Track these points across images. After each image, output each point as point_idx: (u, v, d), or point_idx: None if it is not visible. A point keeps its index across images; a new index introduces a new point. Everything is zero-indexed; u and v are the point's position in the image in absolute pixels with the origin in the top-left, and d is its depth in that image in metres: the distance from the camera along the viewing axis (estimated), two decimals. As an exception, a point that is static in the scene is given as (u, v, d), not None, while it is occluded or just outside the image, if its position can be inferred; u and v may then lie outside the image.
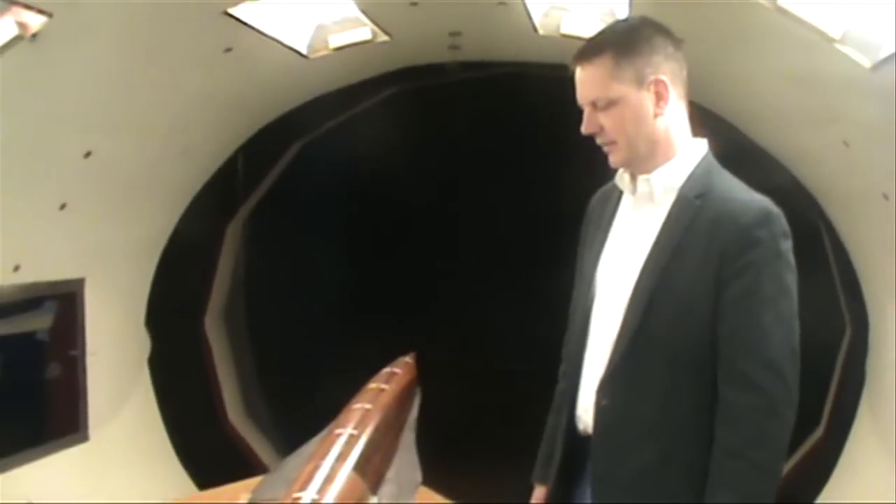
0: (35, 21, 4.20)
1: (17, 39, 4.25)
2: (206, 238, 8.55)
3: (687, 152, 2.79)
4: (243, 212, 9.28)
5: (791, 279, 2.65)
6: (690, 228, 2.70)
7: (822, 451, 7.41)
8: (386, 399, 3.74)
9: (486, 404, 9.98)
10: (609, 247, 2.90)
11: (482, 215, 10.36)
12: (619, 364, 2.73)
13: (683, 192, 2.75)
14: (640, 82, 2.72)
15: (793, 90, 5.38)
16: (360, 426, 3.31)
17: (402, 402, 3.96)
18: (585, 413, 2.85)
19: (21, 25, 4.21)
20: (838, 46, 4.47)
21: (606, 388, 2.76)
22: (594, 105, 2.73)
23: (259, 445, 9.38)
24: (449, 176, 10.21)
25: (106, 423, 6.83)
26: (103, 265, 6.59)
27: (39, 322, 6.52)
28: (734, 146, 6.87)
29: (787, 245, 2.66)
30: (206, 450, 8.18)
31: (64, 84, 4.86)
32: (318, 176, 9.89)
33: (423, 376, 4.75)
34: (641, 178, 2.81)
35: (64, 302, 6.52)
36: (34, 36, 4.26)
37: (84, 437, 6.60)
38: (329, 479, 2.87)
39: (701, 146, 2.83)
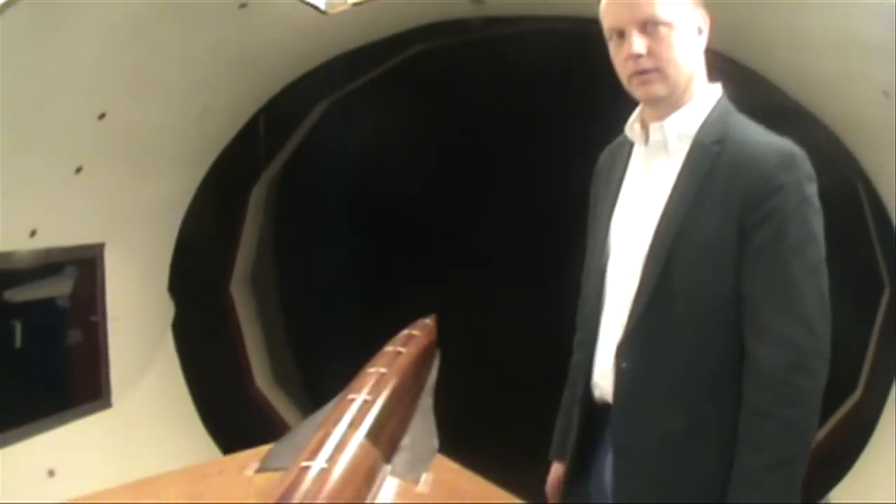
0: (35, -24, 4.05)
1: (15, -3, 4.10)
2: (228, 202, 8.45)
3: (702, 97, 2.63)
4: (268, 175, 9.15)
5: (818, 224, 2.49)
6: (709, 176, 2.53)
7: (860, 416, 7.22)
8: (403, 363, 3.60)
9: (489, 396, 9.87)
10: (622, 202, 2.73)
11: (507, 189, 10.18)
12: (638, 324, 2.57)
13: (699, 138, 2.58)
14: (689, 9, 2.55)
15: (826, 34, 5.14)
16: (375, 391, 3.17)
17: (420, 365, 3.82)
18: (602, 379, 2.69)
19: (20, -19, 4.06)
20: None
21: (625, 350, 2.60)
22: (643, 27, 2.52)
23: (287, 411, 9.33)
24: (477, 146, 10.06)
25: (129, 389, 6.78)
26: (123, 230, 6.51)
27: (59, 288, 6.46)
28: (766, 100, 6.70)
29: (813, 188, 2.49)
30: (232, 416, 8.12)
31: (69, 43, 4.71)
32: (343, 139, 9.79)
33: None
34: (654, 126, 2.64)
35: (83, 267, 6.44)
36: (34, -8, 4.11)
37: (107, 404, 6.55)
38: (340, 447, 2.74)
39: (715, 90, 2.66)
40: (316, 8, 5.87)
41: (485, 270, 10.31)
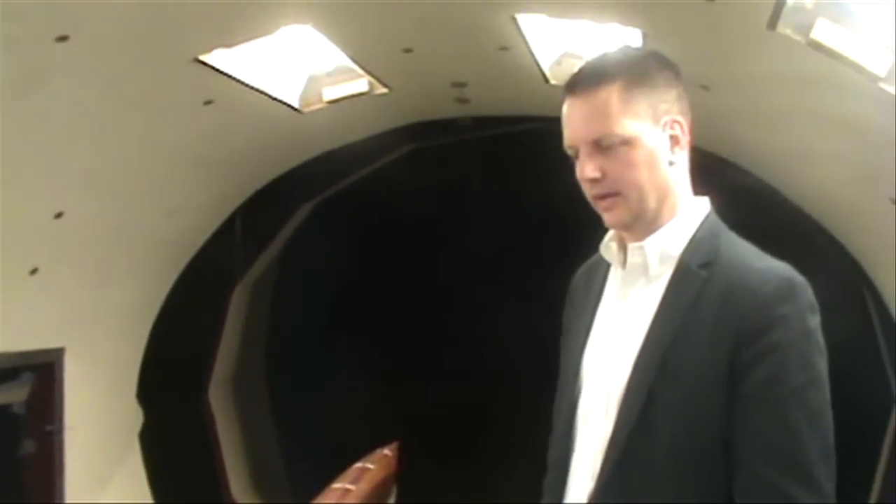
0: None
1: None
2: (206, 305, 8.11)
3: (687, 212, 2.26)
4: (252, 276, 8.85)
5: (822, 364, 2.10)
6: (696, 306, 2.14)
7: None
8: (350, 502, 3.20)
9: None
10: (596, 332, 2.34)
11: (503, 293, 9.87)
12: (611, 474, 2.18)
13: (685, 260, 2.20)
14: (655, 120, 2.17)
15: (830, 138, 4.86)
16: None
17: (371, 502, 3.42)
18: None
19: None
20: (883, 86, 3.92)
21: None
22: (597, 145, 2.18)
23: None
24: (470, 239, 9.76)
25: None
26: (85, 334, 6.19)
27: (13, 395, 6.11)
28: (765, 204, 6.42)
29: (816, 321, 2.10)
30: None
31: (20, 137, 4.44)
32: (332, 238, 9.53)
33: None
34: (632, 247, 2.26)
35: (41, 373, 6.11)
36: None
37: (61, 520, 6.14)
38: None
39: (703, 205, 2.30)
40: (289, 105, 5.62)
41: (486, 375, 9.95)
